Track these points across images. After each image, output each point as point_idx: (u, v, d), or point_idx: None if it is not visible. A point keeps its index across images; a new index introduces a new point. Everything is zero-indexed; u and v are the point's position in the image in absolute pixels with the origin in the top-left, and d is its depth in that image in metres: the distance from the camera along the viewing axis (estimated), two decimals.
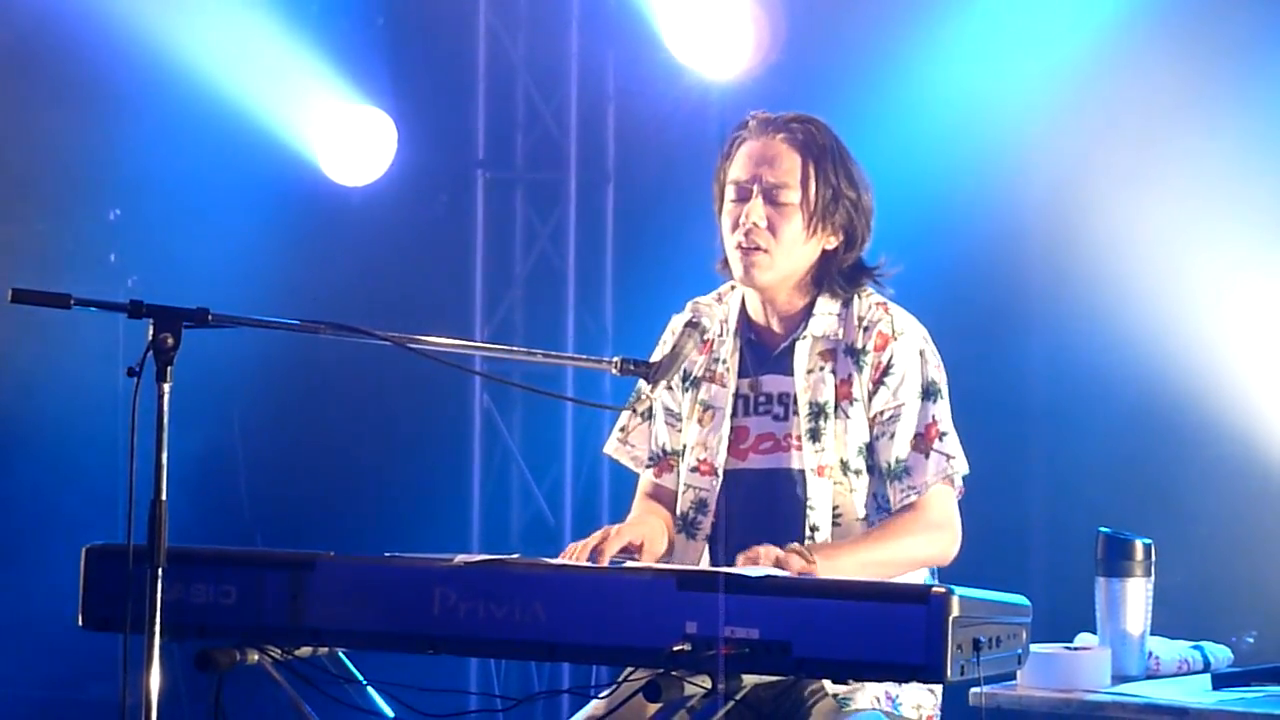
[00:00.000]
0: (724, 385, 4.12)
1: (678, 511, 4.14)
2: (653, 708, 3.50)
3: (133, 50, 7.34)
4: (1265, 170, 6.12)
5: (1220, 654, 4.75)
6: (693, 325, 4.02)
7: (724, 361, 4.13)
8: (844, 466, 4.02)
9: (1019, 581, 3.89)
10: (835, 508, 4.01)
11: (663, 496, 4.20)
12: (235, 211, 7.55)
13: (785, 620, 3.34)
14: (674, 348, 4.00)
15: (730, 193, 4.07)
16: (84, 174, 7.75)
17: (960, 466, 4.02)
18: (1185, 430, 6.24)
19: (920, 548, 3.96)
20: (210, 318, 3.52)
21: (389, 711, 3.83)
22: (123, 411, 3.52)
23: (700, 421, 4.13)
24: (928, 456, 3.99)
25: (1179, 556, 5.18)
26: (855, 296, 4.09)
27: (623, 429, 4.26)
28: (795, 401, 4.05)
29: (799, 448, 4.03)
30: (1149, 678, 4.56)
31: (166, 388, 3.43)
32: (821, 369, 4.05)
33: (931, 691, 4.01)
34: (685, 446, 4.15)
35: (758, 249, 4.03)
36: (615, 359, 3.93)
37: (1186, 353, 6.17)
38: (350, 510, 7.50)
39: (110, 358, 7.10)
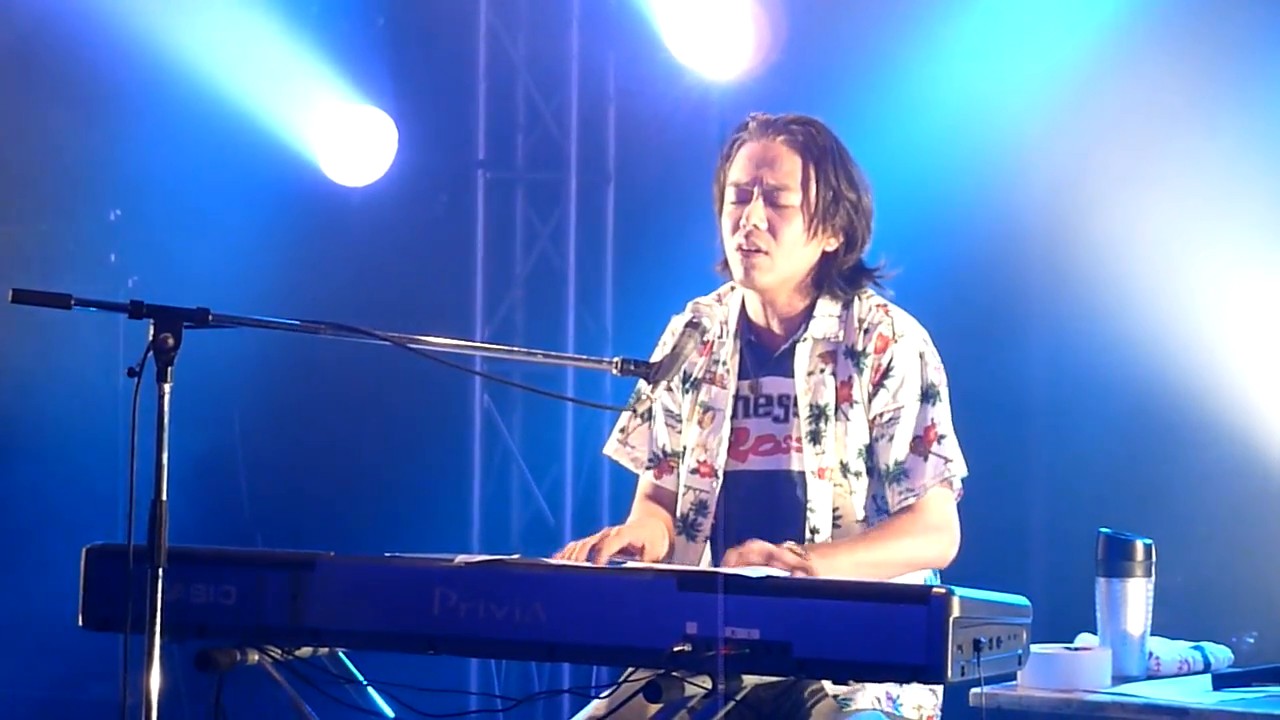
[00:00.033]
0: (724, 387, 4.12)
1: (678, 513, 4.14)
2: (653, 708, 3.50)
3: (133, 50, 7.34)
4: (1265, 170, 6.12)
5: (1220, 654, 4.75)
6: (693, 326, 4.01)
7: (724, 363, 4.13)
8: (844, 468, 4.02)
9: (1019, 582, 3.89)
10: (835, 509, 4.01)
11: (662, 498, 4.20)
12: (235, 211, 7.55)
13: (786, 621, 3.33)
14: (674, 348, 4.00)
15: (730, 194, 4.06)
16: (84, 174, 7.75)
17: (958, 469, 4.02)
18: (1185, 430, 6.24)
19: (917, 549, 3.96)
20: (210, 318, 3.52)
21: (389, 711, 3.83)
22: (123, 411, 3.53)
23: (700, 423, 4.13)
24: (926, 459, 3.99)
25: (1179, 557, 5.18)
26: (856, 298, 4.09)
27: (622, 430, 4.26)
28: (795, 403, 4.05)
29: (799, 449, 4.03)
30: (1149, 678, 4.56)
31: (167, 388, 3.43)
32: (822, 371, 4.05)
33: (932, 692, 4.01)
34: (685, 448, 4.15)
35: (758, 251, 4.03)
36: (615, 359, 3.93)
37: (1186, 353, 6.17)
38: (350, 510, 7.50)
39: (110, 358, 7.11)
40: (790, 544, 3.80)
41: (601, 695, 3.90)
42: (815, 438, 4.02)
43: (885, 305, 4.09)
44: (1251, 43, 6.23)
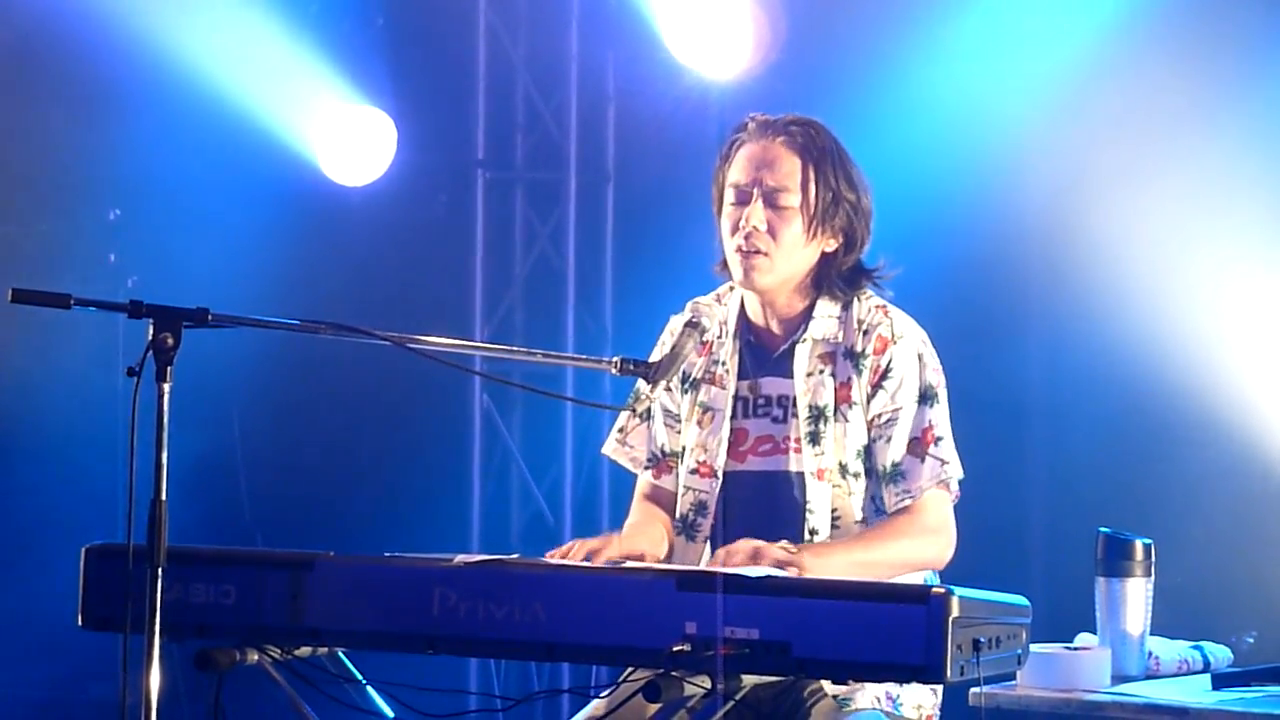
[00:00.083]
0: (723, 387, 4.12)
1: (677, 513, 4.14)
2: (652, 708, 3.50)
3: (133, 50, 7.34)
4: (1264, 170, 6.12)
5: (1220, 654, 4.75)
6: (692, 325, 4.01)
7: (723, 363, 4.13)
8: (842, 470, 4.02)
9: (1019, 581, 3.89)
10: (834, 510, 4.01)
11: (661, 498, 4.20)
12: (235, 211, 7.55)
13: (785, 620, 3.34)
14: (673, 348, 4.00)
15: (730, 195, 4.06)
16: (84, 174, 7.75)
17: (955, 471, 4.02)
18: (1184, 430, 6.24)
19: (913, 551, 3.96)
20: (210, 318, 3.52)
21: (389, 711, 3.83)
22: (122, 411, 3.52)
23: (699, 423, 4.13)
24: (923, 461, 3.99)
25: (1179, 556, 5.18)
26: (855, 299, 4.09)
27: (621, 430, 4.26)
28: (794, 404, 4.05)
29: (798, 450, 4.03)
30: (1149, 678, 4.56)
31: (166, 387, 3.43)
32: (821, 372, 4.05)
33: (932, 691, 4.01)
34: (684, 448, 4.15)
35: (758, 252, 4.03)
36: (615, 359, 3.93)
37: (1185, 353, 6.17)
38: (350, 510, 7.50)
39: (110, 358, 7.10)
40: (783, 542, 3.81)
41: (601, 695, 3.90)
42: (814, 439, 4.02)
43: (884, 306, 4.09)
44: (1251, 43, 6.23)
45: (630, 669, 3.62)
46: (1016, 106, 6.43)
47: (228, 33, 7.37)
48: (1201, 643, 4.77)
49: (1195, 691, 4.39)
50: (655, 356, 4.10)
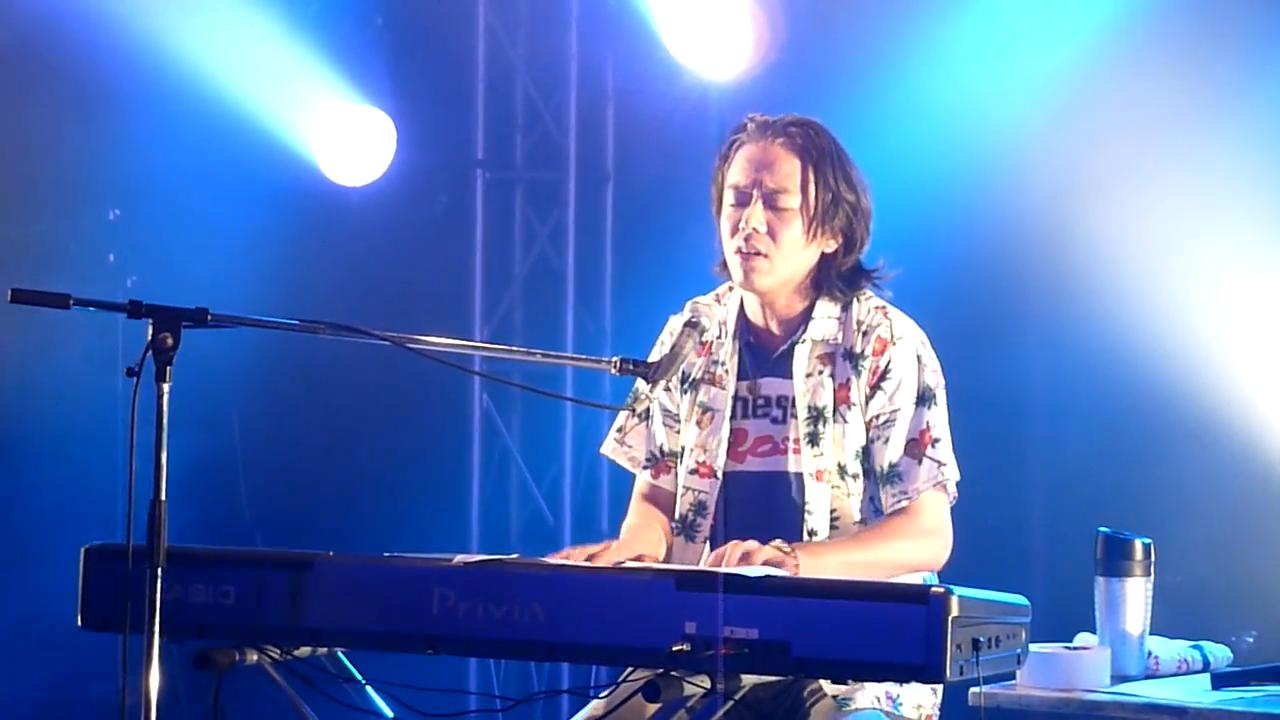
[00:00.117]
0: (723, 387, 4.12)
1: (676, 514, 4.14)
2: (652, 708, 3.50)
3: (133, 50, 7.35)
4: (1264, 170, 6.13)
5: (1220, 653, 4.75)
6: (691, 325, 4.01)
7: (723, 364, 4.13)
8: (841, 471, 4.02)
9: (1018, 581, 3.89)
10: (833, 511, 4.01)
11: (659, 498, 4.20)
12: (234, 211, 7.55)
13: (785, 620, 3.33)
14: (673, 348, 3.99)
15: (729, 197, 4.06)
16: (84, 174, 7.75)
17: (952, 473, 4.02)
18: (1184, 430, 6.24)
19: (908, 552, 3.96)
20: (209, 318, 3.52)
21: (388, 711, 3.83)
22: (122, 411, 3.52)
23: (699, 423, 4.13)
24: (920, 462, 3.99)
25: (1178, 556, 5.19)
26: (854, 300, 4.09)
27: (620, 429, 4.26)
28: (794, 405, 4.05)
29: (797, 451, 4.03)
30: (1148, 677, 4.56)
31: (166, 388, 3.43)
32: (820, 373, 4.05)
33: (932, 691, 4.01)
34: (684, 448, 4.15)
35: (758, 254, 4.02)
36: (614, 359, 3.93)
37: (1185, 353, 6.17)
38: (350, 510, 7.50)
39: (110, 358, 7.10)
40: (776, 541, 3.81)
41: (601, 695, 3.90)
42: (813, 440, 4.02)
43: (884, 307, 4.09)
44: (1250, 43, 6.23)
45: (630, 669, 3.62)
46: (1016, 106, 6.43)
47: (227, 33, 7.38)
48: (1201, 642, 4.76)
49: (1195, 691, 4.39)
50: (654, 356, 4.10)
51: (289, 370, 7.49)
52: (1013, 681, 4.33)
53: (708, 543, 4.08)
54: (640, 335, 4.33)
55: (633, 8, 7.22)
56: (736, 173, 4.06)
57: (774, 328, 4.11)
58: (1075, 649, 4.50)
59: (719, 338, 4.13)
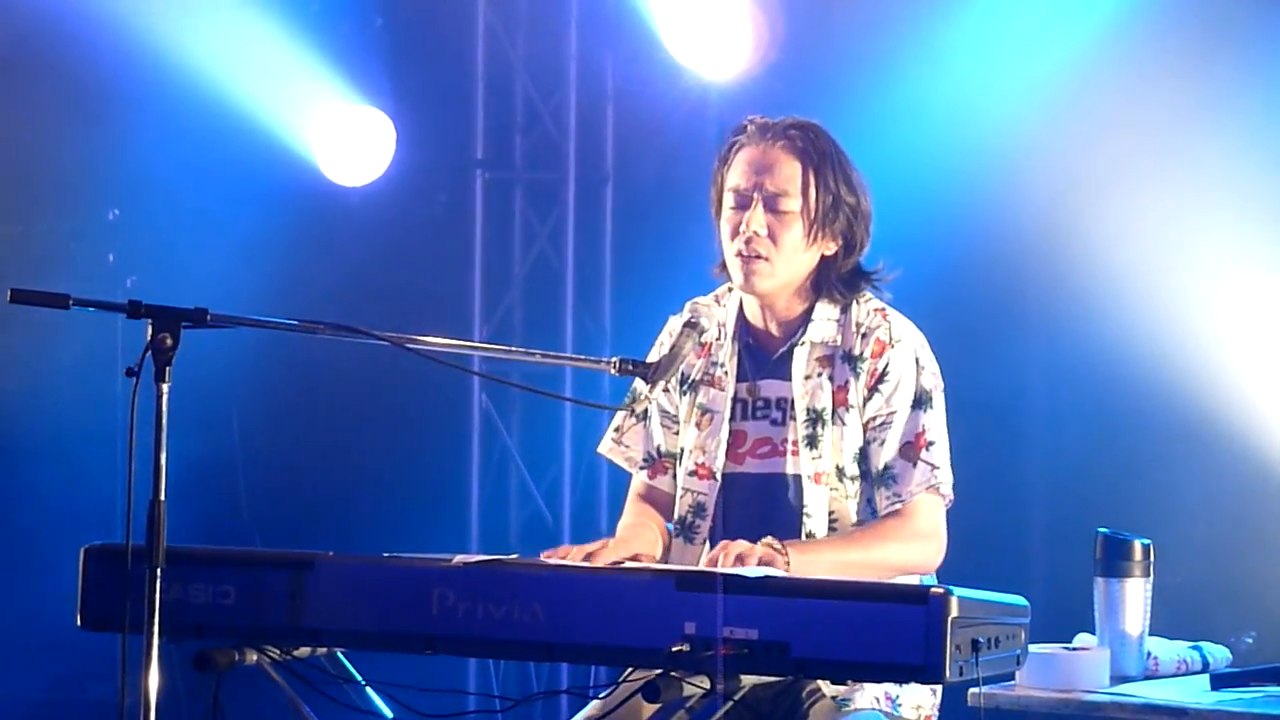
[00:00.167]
0: (722, 389, 4.12)
1: (675, 515, 4.14)
2: (651, 708, 3.50)
3: (132, 50, 7.35)
4: (1263, 170, 6.12)
5: (1219, 654, 4.75)
6: (691, 326, 4.01)
7: (722, 365, 4.13)
8: (840, 473, 4.02)
9: (1018, 582, 3.89)
10: (831, 513, 4.01)
11: (656, 499, 4.20)
12: (234, 211, 7.55)
13: (784, 620, 3.34)
14: (672, 348, 3.99)
15: (729, 199, 4.06)
16: (83, 174, 7.75)
17: (946, 477, 4.02)
18: (1184, 430, 6.24)
19: (900, 554, 3.96)
20: (209, 318, 3.52)
21: (388, 712, 3.83)
22: (122, 411, 3.52)
23: (698, 425, 4.13)
24: (914, 465, 3.98)
25: (1178, 557, 5.18)
26: (854, 301, 4.09)
27: (617, 429, 4.26)
28: (792, 407, 4.05)
29: (795, 453, 4.03)
30: (1148, 678, 4.56)
31: (165, 388, 3.43)
32: (819, 375, 4.05)
33: (931, 692, 4.01)
34: (683, 450, 4.15)
35: (758, 257, 4.02)
36: (614, 359, 3.93)
37: (1185, 353, 6.17)
38: (350, 510, 7.50)
39: (109, 358, 7.10)
40: (769, 539, 3.81)
41: (600, 696, 3.90)
42: (812, 442, 4.02)
43: (883, 309, 4.09)
44: (1249, 43, 6.23)
45: (629, 669, 3.62)
46: (1015, 107, 6.43)
47: (227, 33, 7.38)
48: (1200, 643, 4.77)
49: (1194, 692, 4.39)
50: (654, 357, 4.10)
51: (289, 370, 7.49)
52: (1012, 682, 4.33)
53: (706, 544, 4.07)
54: (639, 335, 4.33)
55: (633, 8, 7.22)
56: (736, 175, 4.05)
57: (773, 330, 4.11)
58: (1074, 650, 4.50)
59: (718, 339, 4.13)
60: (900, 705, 3.94)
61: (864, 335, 4.04)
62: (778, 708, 3.88)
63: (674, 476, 4.17)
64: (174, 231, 7.63)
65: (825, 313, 4.08)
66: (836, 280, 4.08)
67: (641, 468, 4.22)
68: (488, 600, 3.49)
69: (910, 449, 3.99)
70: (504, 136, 7.76)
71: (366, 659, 3.82)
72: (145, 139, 7.57)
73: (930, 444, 4.00)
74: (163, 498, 3.42)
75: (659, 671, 3.42)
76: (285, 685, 3.71)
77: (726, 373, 4.12)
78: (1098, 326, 6.39)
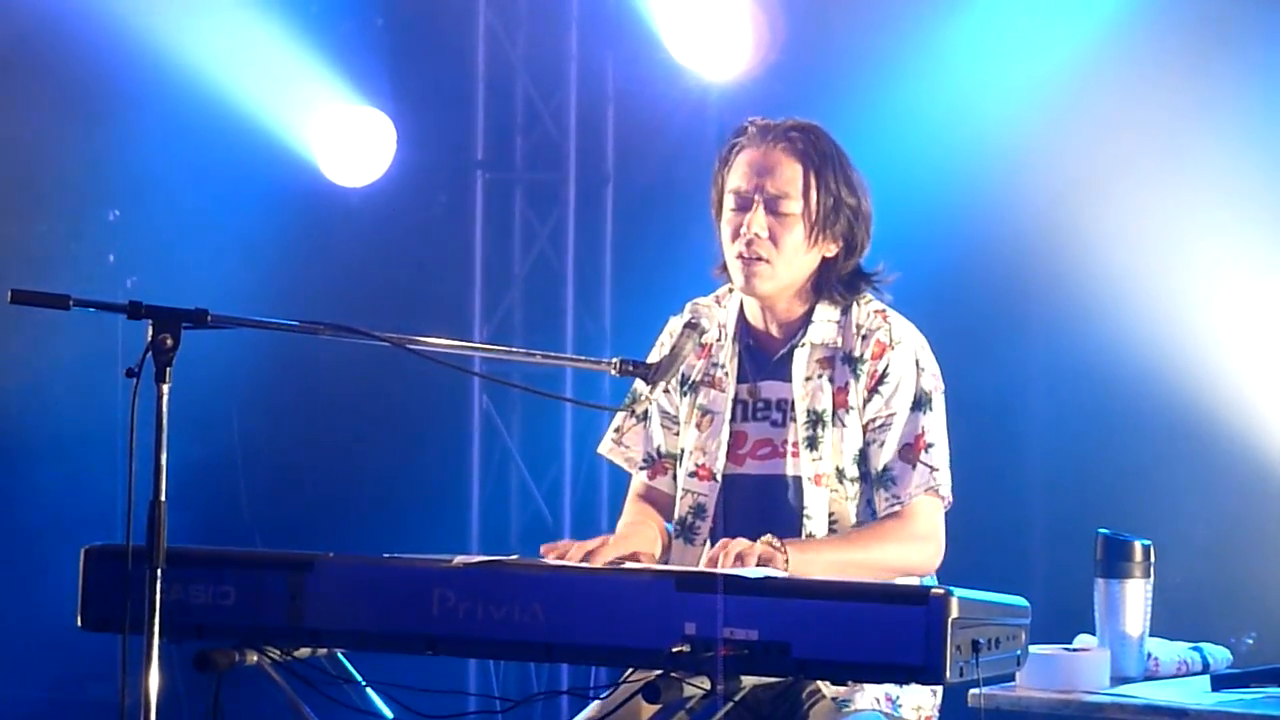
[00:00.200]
0: (722, 390, 4.12)
1: (675, 516, 4.14)
2: (652, 709, 3.50)
3: (133, 51, 7.35)
4: (1263, 171, 6.13)
5: (1219, 655, 4.75)
6: (691, 326, 4.01)
7: (723, 366, 4.13)
8: (840, 474, 4.02)
9: (1018, 583, 3.89)
10: (831, 515, 4.01)
11: (655, 499, 4.20)
12: (234, 212, 7.55)
13: (784, 621, 3.33)
14: (673, 349, 3.99)
15: (730, 201, 4.06)
16: (84, 174, 7.75)
17: (945, 479, 4.02)
18: (1184, 430, 6.24)
19: (898, 555, 3.95)
20: (209, 318, 3.52)
21: (388, 712, 3.83)
22: (122, 412, 3.52)
23: (699, 426, 4.13)
24: (914, 467, 3.98)
25: (1178, 557, 5.19)
26: (854, 303, 4.09)
27: (617, 429, 4.26)
28: (793, 408, 4.05)
29: (795, 455, 4.03)
30: (1148, 679, 4.56)
31: (165, 388, 3.43)
32: (819, 377, 4.05)
33: (932, 693, 4.01)
34: (683, 451, 4.15)
35: (759, 259, 4.02)
36: (614, 360, 3.93)
37: (1185, 353, 6.17)
38: (350, 510, 7.50)
39: (110, 358, 7.11)
40: (768, 536, 3.81)
41: (600, 696, 3.90)
42: (812, 443, 4.02)
43: (884, 311, 4.08)
44: (1250, 43, 6.23)
45: (629, 670, 3.62)
46: (1015, 108, 6.43)
47: (227, 33, 7.38)
48: (1201, 644, 4.77)
49: (1194, 693, 4.39)
50: (654, 357, 4.10)
51: (289, 371, 7.50)
52: (1012, 683, 4.33)
53: (706, 545, 4.07)
54: (640, 336, 4.33)
55: (633, 8, 7.22)
56: (737, 177, 4.05)
57: (774, 331, 4.11)
58: (1075, 650, 4.50)
59: (719, 340, 4.13)
60: (900, 706, 3.94)
61: (864, 337, 4.04)
62: (778, 709, 3.88)
63: (674, 477, 4.17)
64: (174, 231, 7.64)
65: (826, 314, 4.08)
66: (837, 282, 4.08)
67: (641, 468, 4.22)
68: (488, 601, 3.49)
69: (910, 451, 3.99)
70: (504, 137, 7.76)
71: (367, 659, 3.82)
72: (145, 139, 7.57)
73: (930, 446, 4.00)
74: (163, 498, 3.42)
75: (659, 672, 3.41)
76: (285, 686, 3.71)
77: (727, 374, 4.12)
78: (1098, 327, 6.39)
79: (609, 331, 7.57)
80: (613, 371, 3.93)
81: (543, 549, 3.84)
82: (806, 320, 4.08)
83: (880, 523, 3.99)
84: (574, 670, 6.78)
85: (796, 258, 4.03)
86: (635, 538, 4.06)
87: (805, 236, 4.02)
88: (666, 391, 4.12)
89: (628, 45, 7.39)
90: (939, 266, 5.87)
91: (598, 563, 3.83)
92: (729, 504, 4.07)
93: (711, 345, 4.13)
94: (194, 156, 7.51)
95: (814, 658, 3.33)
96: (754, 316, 4.13)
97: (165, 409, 3.41)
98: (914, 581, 3.95)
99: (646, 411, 4.21)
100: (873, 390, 4.01)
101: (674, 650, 3.35)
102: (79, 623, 3.78)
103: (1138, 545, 4.59)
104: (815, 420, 4.02)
